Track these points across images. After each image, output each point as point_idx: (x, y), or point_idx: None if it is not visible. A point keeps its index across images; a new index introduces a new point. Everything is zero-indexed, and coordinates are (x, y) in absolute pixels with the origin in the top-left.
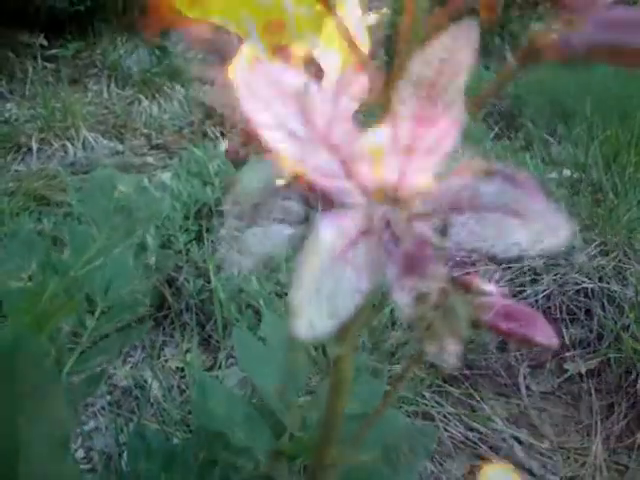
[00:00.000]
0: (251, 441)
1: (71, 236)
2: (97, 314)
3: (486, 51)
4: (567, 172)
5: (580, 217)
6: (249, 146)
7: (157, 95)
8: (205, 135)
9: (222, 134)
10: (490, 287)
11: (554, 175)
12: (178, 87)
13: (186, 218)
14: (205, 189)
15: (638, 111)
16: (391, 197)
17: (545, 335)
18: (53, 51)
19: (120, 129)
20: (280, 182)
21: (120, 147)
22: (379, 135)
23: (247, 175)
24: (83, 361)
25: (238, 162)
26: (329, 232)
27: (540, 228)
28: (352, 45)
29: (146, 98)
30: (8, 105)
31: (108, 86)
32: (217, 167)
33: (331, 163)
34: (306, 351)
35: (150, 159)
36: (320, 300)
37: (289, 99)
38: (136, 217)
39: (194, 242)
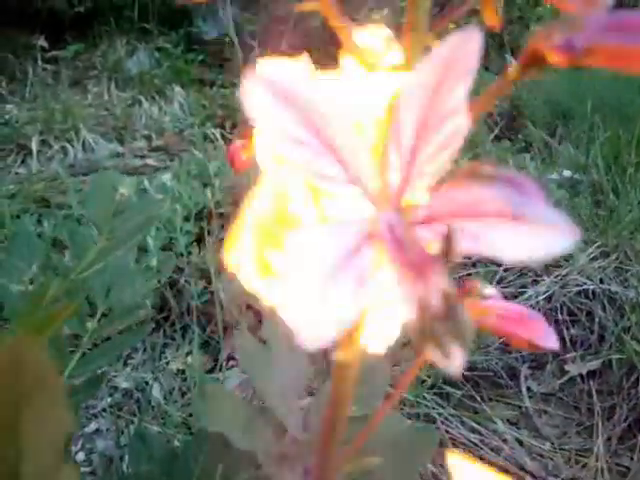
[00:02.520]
0: (252, 443)
1: (71, 238)
2: (98, 317)
3: (486, 52)
4: (567, 173)
5: (581, 218)
6: (251, 150)
7: (157, 97)
8: (205, 137)
9: (222, 136)
10: (490, 290)
11: (555, 176)
12: (178, 89)
13: (186, 220)
14: (205, 191)
15: (638, 112)
16: (394, 203)
17: (546, 338)
18: (53, 53)
19: (120, 131)
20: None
21: (120, 149)
22: (383, 140)
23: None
24: (84, 364)
25: (239, 167)
26: (331, 238)
27: (544, 233)
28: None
29: (146, 100)
30: (8, 107)
31: (108, 88)
32: (217, 169)
33: (335, 169)
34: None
35: (150, 161)
36: (323, 307)
37: (296, 107)
38: (136, 220)
39: (195, 244)
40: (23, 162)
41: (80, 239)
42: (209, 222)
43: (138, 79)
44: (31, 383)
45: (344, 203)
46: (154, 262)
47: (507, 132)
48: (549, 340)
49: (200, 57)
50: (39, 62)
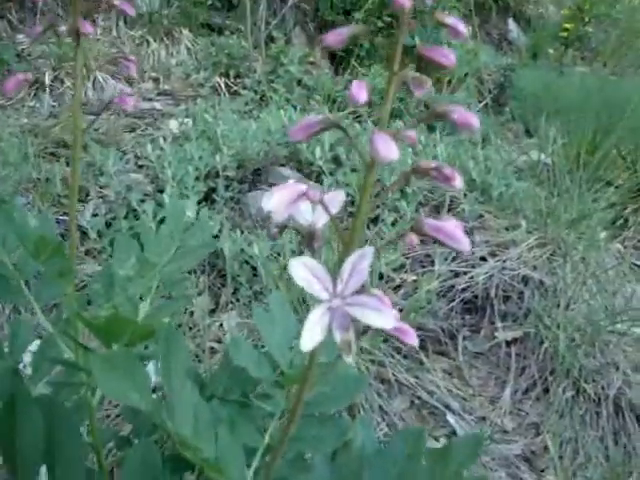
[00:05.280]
0: (259, 373)
1: (147, 247)
2: (154, 287)
3: (500, 35)
4: (535, 156)
5: (527, 213)
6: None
7: (165, 39)
8: (212, 87)
9: (227, 85)
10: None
11: (524, 158)
12: (186, 32)
13: (197, 179)
14: (214, 155)
15: (600, 115)
16: (339, 297)
17: (411, 339)
18: None
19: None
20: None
21: (129, 90)
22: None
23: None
24: (149, 317)
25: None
26: (316, 312)
27: (385, 319)
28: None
29: (154, 41)
30: (20, 36)
31: (117, 24)
32: (225, 131)
33: (318, 286)
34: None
35: (158, 105)
36: (314, 334)
37: (308, 269)
38: (198, 236)
39: (203, 202)
40: (35, 96)
41: (155, 247)
42: (216, 182)
43: (147, 18)
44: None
45: (320, 297)
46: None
47: (495, 104)
48: (412, 340)
49: (209, 0)
50: None
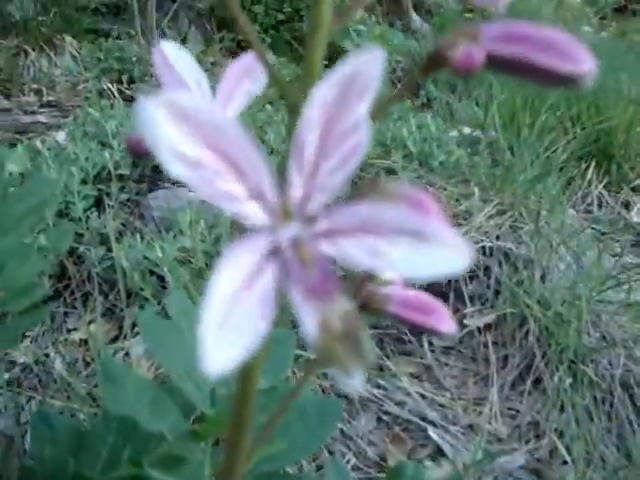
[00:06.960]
0: (160, 423)
1: None
2: None
3: (403, 26)
4: (467, 130)
5: (479, 177)
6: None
7: (46, 47)
8: (101, 93)
9: (119, 91)
10: (393, 275)
11: (455, 133)
12: (69, 39)
13: (84, 183)
14: (103, 152)
15: None
16: (296, 217)
17: (445, 324)
18: None
19: (5, 83)
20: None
21: (6, 103)
22: (287, 156)
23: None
24: None
25: (140, 155)
26: (235, 261)
27: (443, 253)
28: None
29: (33, 50)
30: None
31: None
32: (115, 128)
33: (236, 187)
34: None
35: (42, 118)
36: (226, 334)
37: (192, 128)
38: (28, 202)
39: (93, 208)
40: None
41: None
42: (108, 185)
43: (22, 26)
44: None
45: (249, 218)
46: (47, 239)
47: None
48: (449, 326)
49: (92, 5)
50: None
